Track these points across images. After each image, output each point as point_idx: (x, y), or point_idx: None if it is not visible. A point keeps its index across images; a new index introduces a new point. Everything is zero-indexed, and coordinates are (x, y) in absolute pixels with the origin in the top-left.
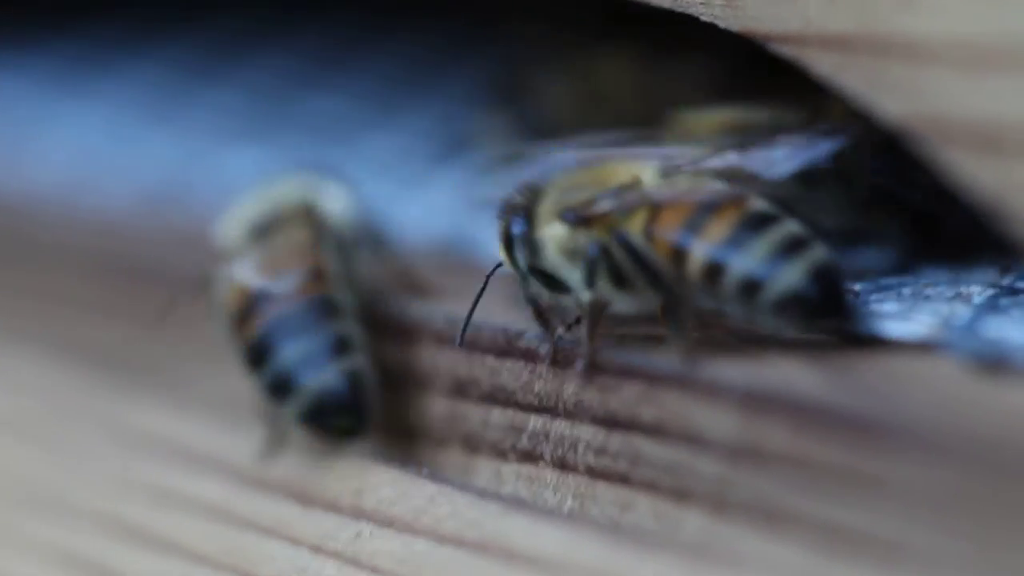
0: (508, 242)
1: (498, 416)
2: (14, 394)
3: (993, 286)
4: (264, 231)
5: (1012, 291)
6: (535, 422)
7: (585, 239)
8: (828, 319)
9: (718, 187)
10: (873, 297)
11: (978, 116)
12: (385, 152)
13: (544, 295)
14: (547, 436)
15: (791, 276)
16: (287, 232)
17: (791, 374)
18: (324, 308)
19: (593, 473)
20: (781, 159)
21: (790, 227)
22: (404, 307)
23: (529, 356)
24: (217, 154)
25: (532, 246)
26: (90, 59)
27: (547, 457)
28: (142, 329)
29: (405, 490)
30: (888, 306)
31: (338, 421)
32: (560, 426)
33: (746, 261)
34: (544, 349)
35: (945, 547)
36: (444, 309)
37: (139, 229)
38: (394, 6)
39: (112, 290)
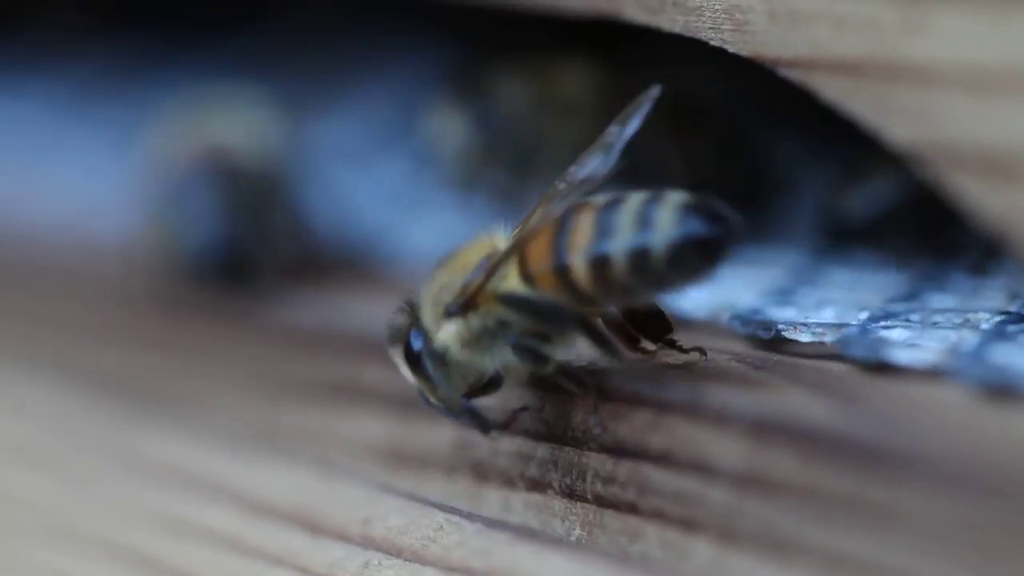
0: (414, 360)
1: (507, 444)
2: (25, 421)
3: (1001, 312)
4: None
5: (1020, 317)
6: (543, 450)
7: (479, 321)
8: (722, 245)
9: (559, 204)
10: (881, 324)
11: (986, 141)
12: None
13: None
14: (555, 464)
15: (666, 224)
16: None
17: (799, 402)
18: (223, 181)
19: (601, 502)
20: (599, 163)
21: (637, 194)
22: None
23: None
24: None
25: (437, 359)
26: (97, 85)
27: (556, 486)
28: (154, 357)
29: (414, 519)
30: (896, 333)
31: (217, 273)
32: (568, 454)
33: (621, 240)
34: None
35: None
36: None
37: (153, 256)
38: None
39: (123, 317)
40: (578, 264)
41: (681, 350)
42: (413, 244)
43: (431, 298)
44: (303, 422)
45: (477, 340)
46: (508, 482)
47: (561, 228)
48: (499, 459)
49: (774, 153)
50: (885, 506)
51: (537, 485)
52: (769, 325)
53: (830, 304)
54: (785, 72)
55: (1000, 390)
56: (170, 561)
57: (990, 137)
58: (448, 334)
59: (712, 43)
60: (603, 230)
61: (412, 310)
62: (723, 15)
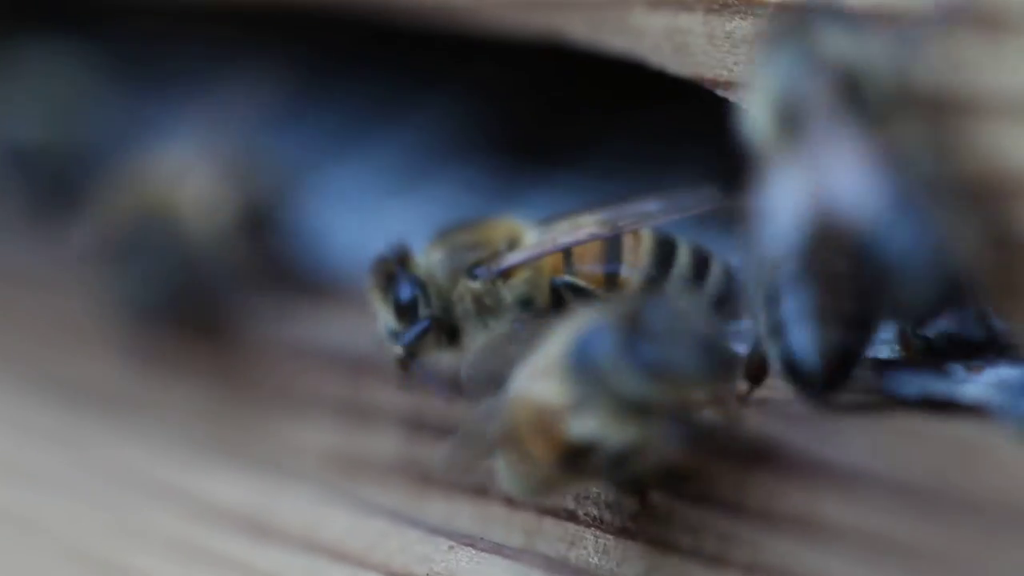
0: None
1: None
2: None
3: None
4: None
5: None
6: None
7: (504, 292)
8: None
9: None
10: None
11: None
12: None
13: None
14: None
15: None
16: None
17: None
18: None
19: (541, 509)
20: (654, 212)
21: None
22: (355, 342)
23: None
24: None
25: (442, 303)
26: None
27: (497, 493)
28: (104, 362)
29: (358, 524)
30: None
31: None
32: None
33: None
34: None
35: None
36: None
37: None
38: None
39: (73, 321)
40: (632, 278)
41: None
42: None
43: (444, 253)
44: (251, 428)
45: (489, 306)
46: (451, 489)
47: (613, 243)
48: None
49: None
50: (813, 519)
51: (479, 493)
52: None
53: None
54: (724, 93)
55: (930, 402)
56: (118, 562)
57: None
58: (465, 291)
59: (653, 64)
60: (659, 260)
61: (403, 258)
62: (664, 37)
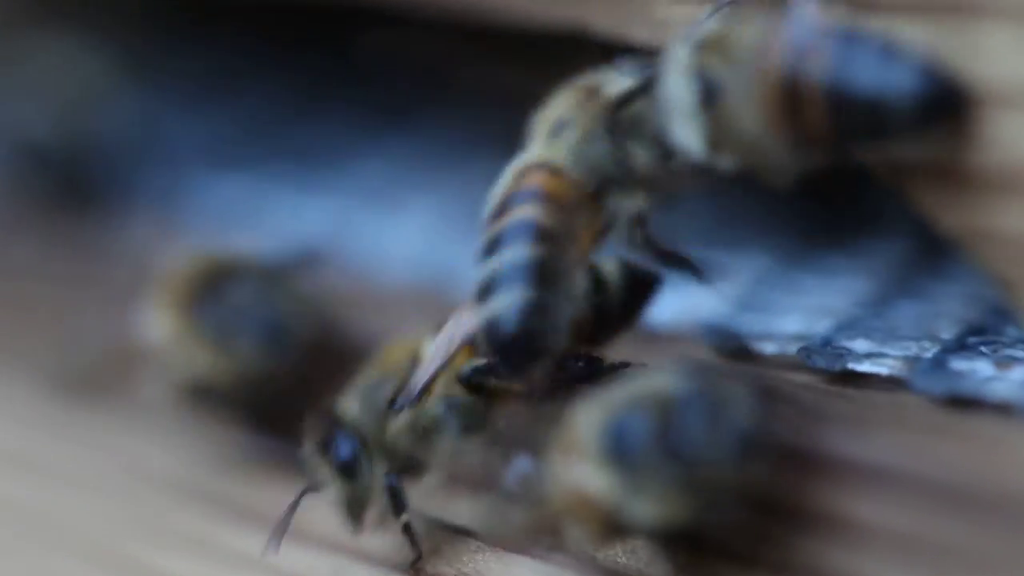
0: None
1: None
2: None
3: (961, 323)
4: None
5: (980, 329)
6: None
7: (431, 407)
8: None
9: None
10: (846, 333)
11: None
12: None
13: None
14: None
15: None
16: None
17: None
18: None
19: None
20: None
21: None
22: (377, 340)
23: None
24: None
25: (381, 447)
26: None
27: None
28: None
29: (384, 525)
30: (858, 343)
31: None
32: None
33: None
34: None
35: None
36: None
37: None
38: None
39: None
40: None
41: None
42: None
43: (359, 402)
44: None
45: (426, 426)
46: (478, 489)
47: None
48: (470, 466)
49: None
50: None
51: (508, 491)
52: (735, 336)
53: (795, 311)
54: None
55: (957, 399)
56: (140, 560)
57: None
58: (396, 427)
59: None
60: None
61: (334, 419)
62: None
